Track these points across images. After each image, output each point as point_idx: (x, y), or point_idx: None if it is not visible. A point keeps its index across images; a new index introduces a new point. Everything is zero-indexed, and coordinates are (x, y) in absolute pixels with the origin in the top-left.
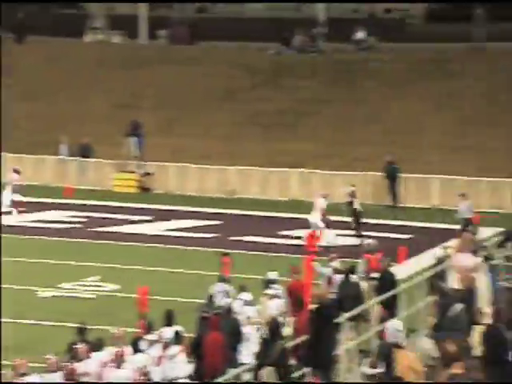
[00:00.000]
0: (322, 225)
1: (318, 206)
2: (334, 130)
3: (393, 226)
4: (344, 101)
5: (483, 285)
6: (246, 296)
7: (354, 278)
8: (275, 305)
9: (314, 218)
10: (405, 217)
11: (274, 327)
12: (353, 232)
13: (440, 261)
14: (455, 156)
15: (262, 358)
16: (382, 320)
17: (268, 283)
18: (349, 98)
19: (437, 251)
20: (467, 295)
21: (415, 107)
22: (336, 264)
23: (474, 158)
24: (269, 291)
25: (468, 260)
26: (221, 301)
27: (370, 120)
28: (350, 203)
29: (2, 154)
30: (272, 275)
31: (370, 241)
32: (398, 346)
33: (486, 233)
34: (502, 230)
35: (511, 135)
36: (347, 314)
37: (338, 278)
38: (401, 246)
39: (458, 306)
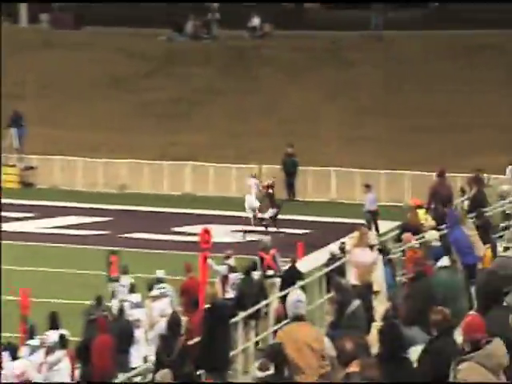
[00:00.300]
0: (257, 204)
1: (250, 187)
2: (228, 120)
3: (291, 220)
4: (239, 90)
5: (380, 280)
6: (135, 297)
7: (256, 275)
8: (160, 306)
9: (250, 199)
10: (303, 211)
11: (173, 323)
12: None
13: (334, 256)
14: (353, 147)
15: (162, 356)
16: (279, 319)
17: (154, 283)
18: (244, 86)
19: (332, 246)
20: (365, 291)
21: (312, 96)
22: (231, 261)
23: (372, 149)
24: (153, 292)
25: (365, 255)
26: (110, 302)
27: (266, 110)
28: (271, 195)
29: None
30: (160, 273)
31: (263, 238)
32: (298, 319)
33: (384, 227)
34: (399, 223)
35: (407, 125)
36: (243, 313)
37: (234, 276)
38: (299, 242)
39: (356, 303)
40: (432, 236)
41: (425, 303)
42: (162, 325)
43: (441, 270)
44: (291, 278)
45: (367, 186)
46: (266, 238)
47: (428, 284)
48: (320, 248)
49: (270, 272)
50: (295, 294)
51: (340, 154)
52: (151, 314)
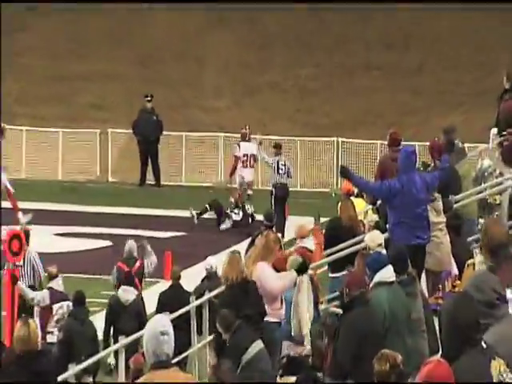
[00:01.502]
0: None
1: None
2: (49, 55)
3: (155, 217)
4: (67, 7)
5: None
6: None
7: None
8: None
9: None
10: (172, 203)
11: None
12: None
13: (212, 274)
14: (255, 101)
15: None
16: (136, 374)
17: None
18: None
19: (210, 259)
20: (271, 328)
21: (189, 17)
22: (57, 284)
23: (286, 104)
24: None
25: (273, 275)
26: None
27: (111, 38)
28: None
29: None
30: None
31: (128, 242)
32: (162, 364)
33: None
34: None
35: (333, 66)
36: (76, 367)
37: (62, 307)
38: (166, 251)
39: (256, 346)
40: (374, 239)
41: (363, 344)
42: None
43: (381, 288)
44: (176, 302)
45: (277, 147)
46: (130, 242)
47: (370, 315)
48: (202, 260)
49: (131, 294)
50: (159, 322)
51: (234, 112)
52: None
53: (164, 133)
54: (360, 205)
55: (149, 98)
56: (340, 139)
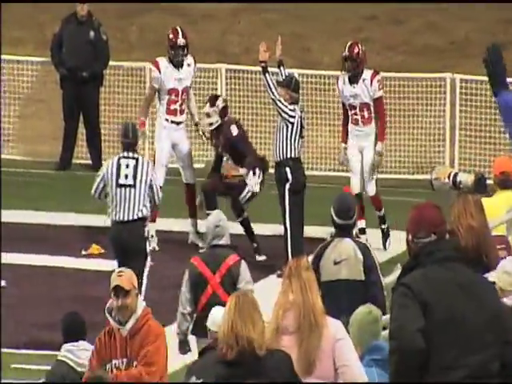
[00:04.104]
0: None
1: None
2: None
3: (85, 229)
4: None
5: None
6: None
7: None
8: None
9: None
10: None
11: None
12: None
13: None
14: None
15: None
16: None
17: None
18: None
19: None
20: None
21: None
22: None
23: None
24: None
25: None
26: None
27: None
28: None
29: None
30: None
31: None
32: None
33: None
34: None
35: None
36: None
37: None
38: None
39: None
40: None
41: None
42: None
43: None
44: None
45: (291, 85)
46: (215, 216)
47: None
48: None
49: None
50: None
51: (245, 24)
52: None
53: (111, 64)
54: (502, 205)
55: None
56: (458, 76)
